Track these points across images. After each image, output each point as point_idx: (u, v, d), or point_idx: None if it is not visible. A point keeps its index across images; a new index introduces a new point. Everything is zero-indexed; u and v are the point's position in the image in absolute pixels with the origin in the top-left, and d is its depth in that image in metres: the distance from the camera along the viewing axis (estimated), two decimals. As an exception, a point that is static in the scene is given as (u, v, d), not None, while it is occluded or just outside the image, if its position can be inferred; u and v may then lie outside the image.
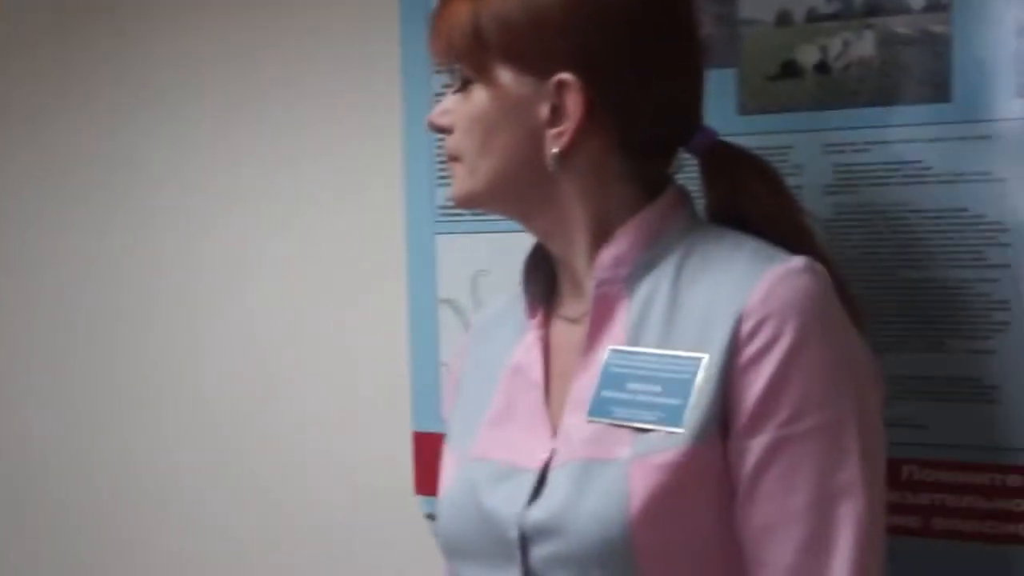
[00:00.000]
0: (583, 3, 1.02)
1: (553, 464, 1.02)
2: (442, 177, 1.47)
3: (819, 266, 0.97)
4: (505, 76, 1.02)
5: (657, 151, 1.07)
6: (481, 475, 1.08)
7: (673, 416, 0.96)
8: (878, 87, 1.19)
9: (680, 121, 1.06)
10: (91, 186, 1.98)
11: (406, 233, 1.56)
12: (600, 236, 1.04)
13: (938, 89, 1.16)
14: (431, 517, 1.51)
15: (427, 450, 1.53)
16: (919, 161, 1.17)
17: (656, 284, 1.02)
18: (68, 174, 2.01)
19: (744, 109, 1.26)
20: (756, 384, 0.93)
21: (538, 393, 1.08)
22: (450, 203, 1.22)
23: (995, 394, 1.14)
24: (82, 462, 1.94)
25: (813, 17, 1.21)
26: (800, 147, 1.23)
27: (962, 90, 1.16)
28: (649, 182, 1.06)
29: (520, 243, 1.24)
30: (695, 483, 0.95)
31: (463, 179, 1.07)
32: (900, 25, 1.17)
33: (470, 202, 1.09)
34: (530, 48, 1.02)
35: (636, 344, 1.02)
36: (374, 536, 1.69)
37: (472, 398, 1.18)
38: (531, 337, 1.11)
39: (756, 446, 0.93)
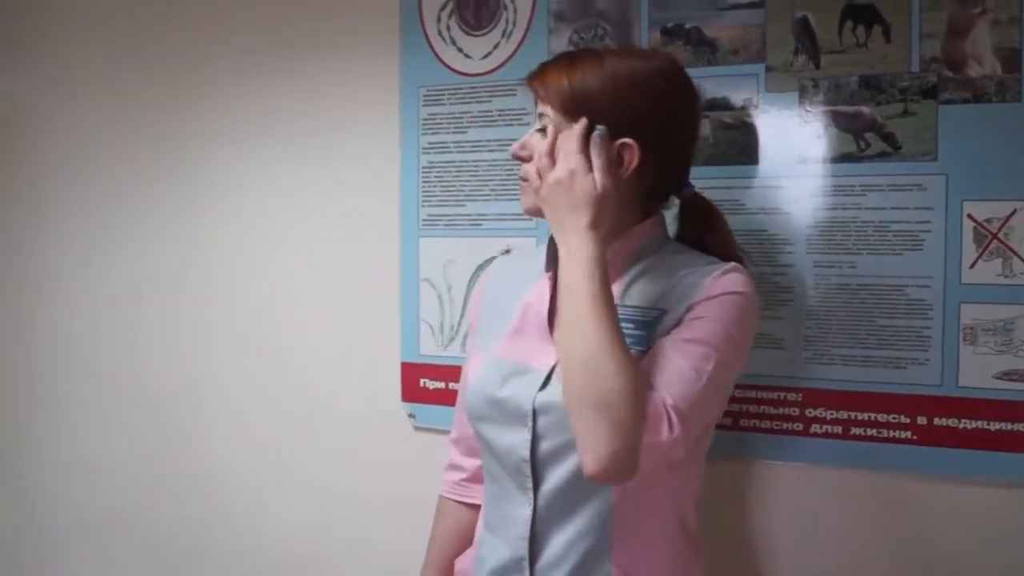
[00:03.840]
0: (647, 93, 1.33)
1: (557, 367, 1.33)
2: (425, 197, 1.92)
3: (745, 268, 1.36)
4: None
5: (664, 196, 1.45)
6: (503, 368, 1.43)
7: (640, 342, 1.31)
8: (711, 154, 1.66)
9: (682, 179, 1.44)
10: (176, 197, 2.31)
11: (400, 235, 1.96)
12: (609, 238, 1.33)
13: (749, 156, 1.64)
14: (412, 416, 1.98)
15: (409, 373, 1.97)
16: (738, 200, 1.66)
17: (642, 269, 1.39)
18: (157, 186, 2.34)
19: None
20: (694, 313, 1.30)
21: (544, 322, 1.42)
22: (431, 216, 1.77)
23: (782, 344, 1.65)
24: (174, 376, 2.27)
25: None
26: None
27: (764, 157, 1.64)
28: (649, 211, 1.43)
29: (471, 245, 1.82)
30: None
31: (531, 197, 1.37)
32: (726, 116, 1.65)
33: (536, 213, 1.39)
34: (605, 117, 1.31)
35: (622, 301, 1.36)
36: (376, 428, 2.05)
37: (493, 320, 1.51)
38: (544, 284, 1.45)
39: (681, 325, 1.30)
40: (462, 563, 1.59)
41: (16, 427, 2.64)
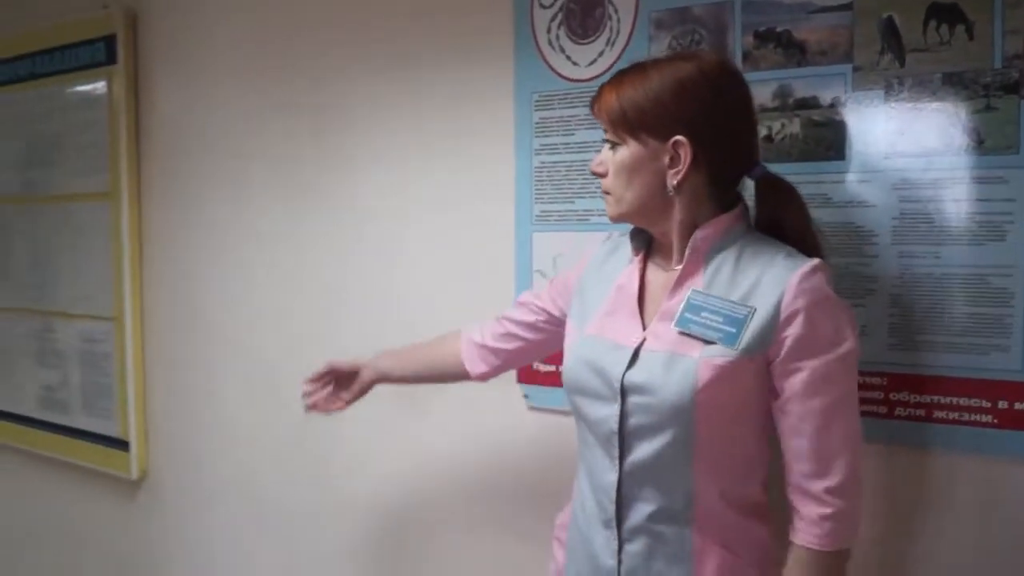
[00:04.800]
0: (687, 91, 1.46)
1: (643, 348, 1.51)
2: (538, 195, 2.05)
3: (826, 265, 1.47)
4: (640, 140, 1.49)
5: (732, 181, 1.55)
6: (597, 345, 1.57)
7: (731, 339, 1.44)
8: (801, 150, 1.74)
9: (746, 162, 1.54)
10: (316, 199, 2.57)
11: (515, 230, 2.10)
12: (690, 228, 1.51)
13: (838, 152, 1.71)
14: (526, 397, 2.10)
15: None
16: (826, 194, 1.72)
17: (723, 260, 1.51)
18: (302, 190, 2.61)
19: None
20: (797, 330, 1.41)
21: (634, 302, 1.57)
22: (543, 212, 1.90)
23: (866, 330, 1.70)
24: (317, 357, 2.29)
25: (763, 109, 1.75)
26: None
27: (852, 152, 1.70)
28: (724, 199, 1.54)
29: (580, 239, 1.92)
30: (735, 378, 1.44)
31: (614, 206, 1.55)
32: (815, 115, 1.72)
33: (620, 219, 1.56)
34: (654, 122, 1.47)
35: (709, 291, 1.49)
36: (492, 408, 2.18)
37: (589, 299, 1.65)
38: (633, 268, 1.61)
39: (803, 368, 1.42)
40: (562, 518, 1.76)
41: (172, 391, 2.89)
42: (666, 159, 1.49)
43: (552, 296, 1.82)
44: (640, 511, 1.55)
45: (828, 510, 1.44)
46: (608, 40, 1.96)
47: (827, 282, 1.46)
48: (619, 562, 1.57)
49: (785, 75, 1.75)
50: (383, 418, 2.40)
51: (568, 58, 2.01)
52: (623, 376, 1.51)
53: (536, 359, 1.98)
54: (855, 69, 1.70)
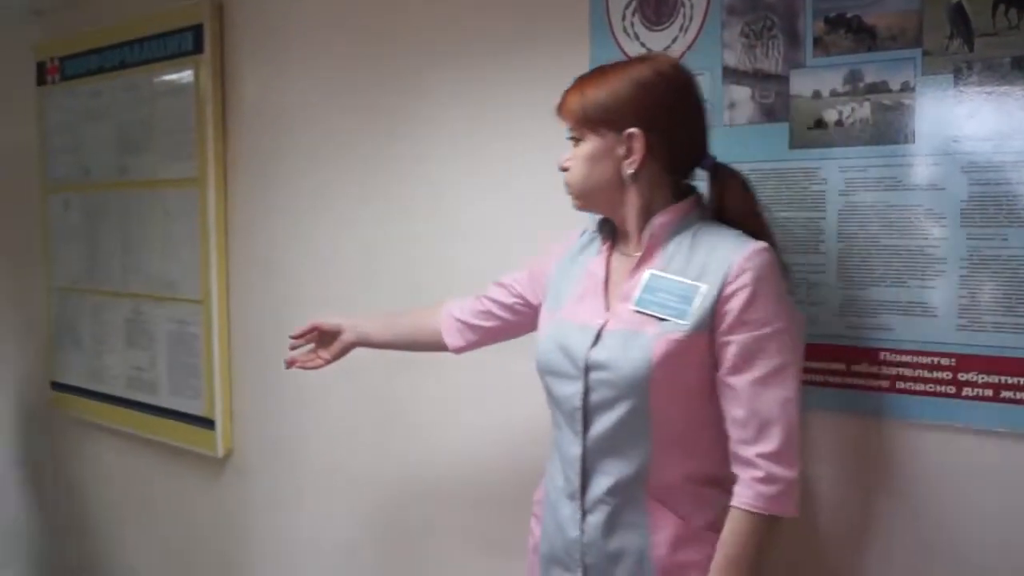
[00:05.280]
0: (641, 89, 1.63)
1: (606, 328, 1.66)
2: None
3: (772, 248, 1.60)
4: (599, 134, 1.66)
5: (685, 171, 1.71)
6: (566, 327, 1.72)
7: (681, 315, 1.59)
8: (871, 134, 1.77)
9: (698, 152, 1.70)
10: (402, 172, 2.65)
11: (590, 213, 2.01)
12: (647, 215, 1.68)
13: (907, 136, 1.74)
14: None
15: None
16: (895, 177, 1.75)
17: (679, 244, 1.65)
18: (389, 166, 2.69)
19: (792, 146, 1.85)
20: (735, 305, 1.56)
21: (600, 287, 1.73)
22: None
23: (936, 312, 1.73)
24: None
25: (834, 94, 1.79)
26: (825, 168, 1.81)
27: (921, 136, 1.73)
28: (677, 188, 1.70)
29: None
30: (687, 352, 1.58)
31: (576, 196, 1.73)
32: (885, 99, 1.75)
33: (583, 208, 1.75)
34: (611, 117, 1.64)
35: (665, 273, 1.64)
36: None
37: (563, 287, 1.80)
38: (602, 256, 1.76)
39: (735, 341, 1.57)
40: (537, 494, 1.89)
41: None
42: (622, 150, 1.65)
43: (529, 282, 1.97)
44: (601, 483, 1.68)
45: (760, 473, 1.55)
46: (681, 26, 2.00)
47: (769, 264, 1.59)
48: (582, 532, 1.70)
49: (855, 60, 1.78)
50: (466, 395, 2.48)
51: (643, 44, 2.05)
52: (587, 354, 1.66)
53: (510, 338, 2.07)
54: (925, 54, 1.72)
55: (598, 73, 1.69)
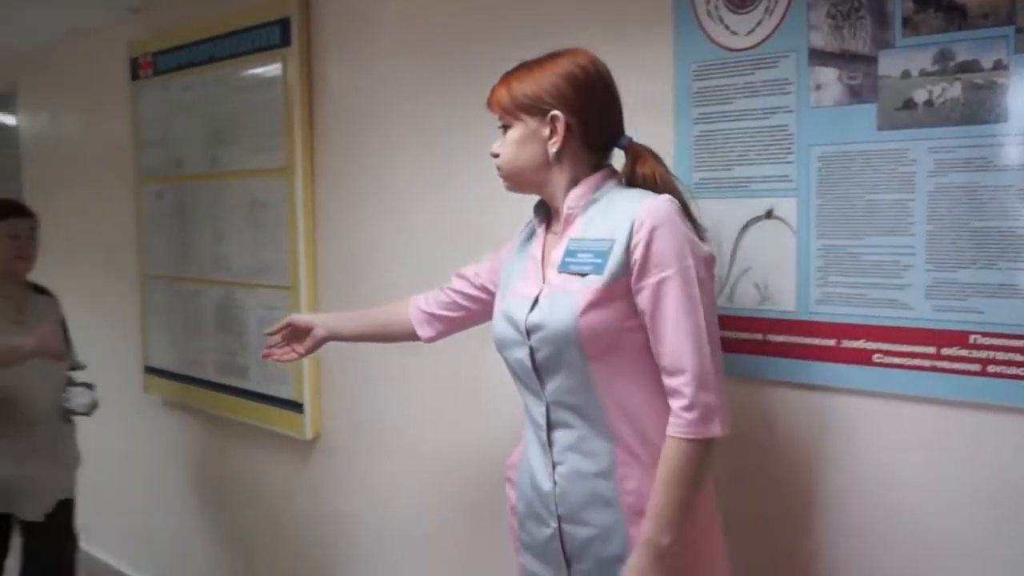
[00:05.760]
0: (561, 77, 1.80)
1: (541, 295, 1.83)
2: (697, 163, 2.09)
3: (673, 199, 1.74)
4: (525, 120, 1.84)
5: (604, 148, 1.88)
6: (511, 302, 1.90)
7: (598, 268, 1.74)
8: (962, 114, 1.75)
9: (614, 132, 1.86)
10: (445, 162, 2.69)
11: None
12: (569, 186, 1.85)
13: (999, 115, 1.72)
14: None
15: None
16: (986, 157, 1.73)
17: (595, 210, 1.82)
18: (432, 159, 2.74)
19: (880, 127, 1.82)
20: (640, 252, 1.70)
21: (539, 264, 1.90)
22: (702, 179, 1.96)
23: (1014, 291, 1.73)
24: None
25: (924, 73, 1.77)
26: (914, 149, 1.79)
27: (1013, 115, 1.71)
28: (599, 167, 1.87)
29: (737, 205, 2.00)
30: (609, 298, 1.73)
31: (506, 178, 1.91)
32: (977, 78, 1.73)
33: (513, 188, 1.93)
34: (535, 103, 1.82)
35: (583, 236, 1.80)
36: None
37: (513, 272, 1.98)
38: (539, 239, 1.94)
39: (647, 285, 1.70)
40: (510, 460, 2.05)
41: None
42: (546, 132, 1.82)
43: (489, 273, 2.16)
44: (565, 435, 1.83)
45: (685, 401, 1.68)
46: (767, 8, 1.99)
47: (667, 211, 1.72)
48: (554, 483, 1.85)
49: (946, 39, 1.76)
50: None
51: (727, 27, 2.05)
52: (526, 319, 1.83)
53: (477, 324, 2.23)
54: (1018, 31, 1.69)
55: (523, 67, 1.86)
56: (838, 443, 1.97)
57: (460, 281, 2.21)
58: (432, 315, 2.24)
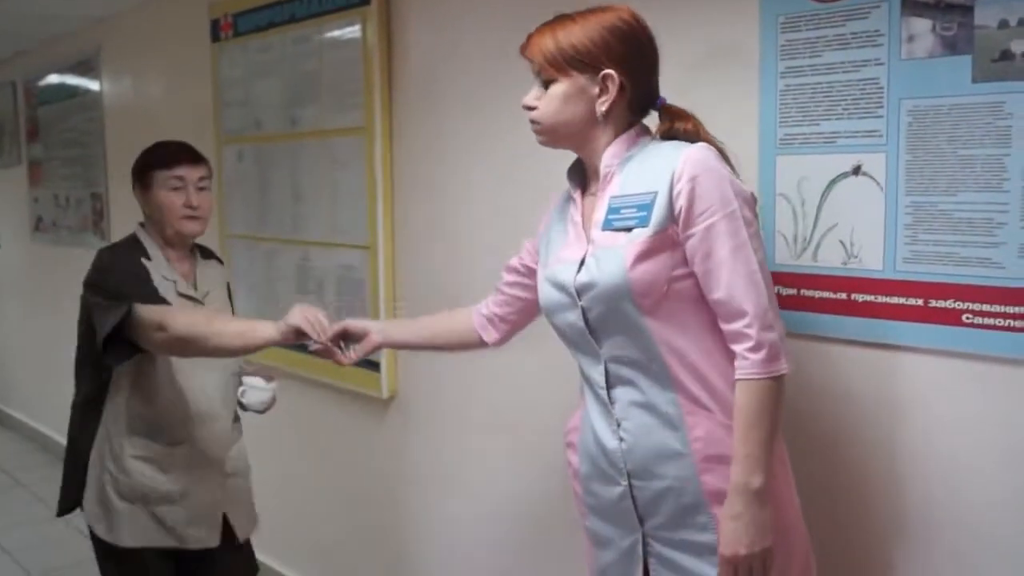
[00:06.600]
0: (613, 34, 1.79)
1: (587, 255, 1.82)
2: (783, 118, 2.05)
3: (709, 146, 1.75)
4: (574, 76, 1.81)
5: (644, 108, 1.88)
6: (557, 268, 1.90)
7: (643, 221, 1.74)
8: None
9: (655, 93, 1.88)
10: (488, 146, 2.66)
11: (758, 154, 2.10)
12: (608, 144, 1.84)
13: (1101, 65, 1.66)
14: None
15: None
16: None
17: (631, 166, 1.82)
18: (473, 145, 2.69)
19: (975, 79, 1.77)
20: (685, 201, 1.71)
21: (580, 229, 1.90)
22: (787, 135, 1.93)
23: None
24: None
25: (1022, 23, 1.71)
26: (1011, 102, 1.73)
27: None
28: (632, 123, 1.86)
29: (824, 162, 1.97)
30: (657, 249, 1.73)
31: (546, 134, 1.88)
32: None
33: (549, 143, 1.90)
34: (587, 59, 1.79)
35: (623, 193, 1.80)
36: None
37: (551, 242, 1.99)
38: (577, 204, 1.93)
39: (695, 232, 1.71)
40: (570, 423, 2.04)
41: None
42: (595, 90, 1.80)
43: (530, 255, 2.14)
44: (627, 392, 1.83)
45: (750, 343, 1.68)
46: (858, -42, 1.93)
47: (709, 157, 1.73)
48: (620, 440, 1.84)
49: None
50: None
51: (816, -21, 2.00)
52: (574, 280, 1.83)
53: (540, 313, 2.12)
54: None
55: (566, 19, 1.83)
56: (923, 405, 1.93)
57: (510, 274, 2.20)
58: (494, 316, 2.24)
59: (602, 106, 1.81)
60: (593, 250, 1.82)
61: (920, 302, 1.91)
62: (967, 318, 1.85)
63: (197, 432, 2.65)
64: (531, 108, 1.87)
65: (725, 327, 1.73)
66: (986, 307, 1.82)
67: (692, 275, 1.75)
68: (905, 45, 1.88)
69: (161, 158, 2.63)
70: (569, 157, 1.97)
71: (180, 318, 2.41)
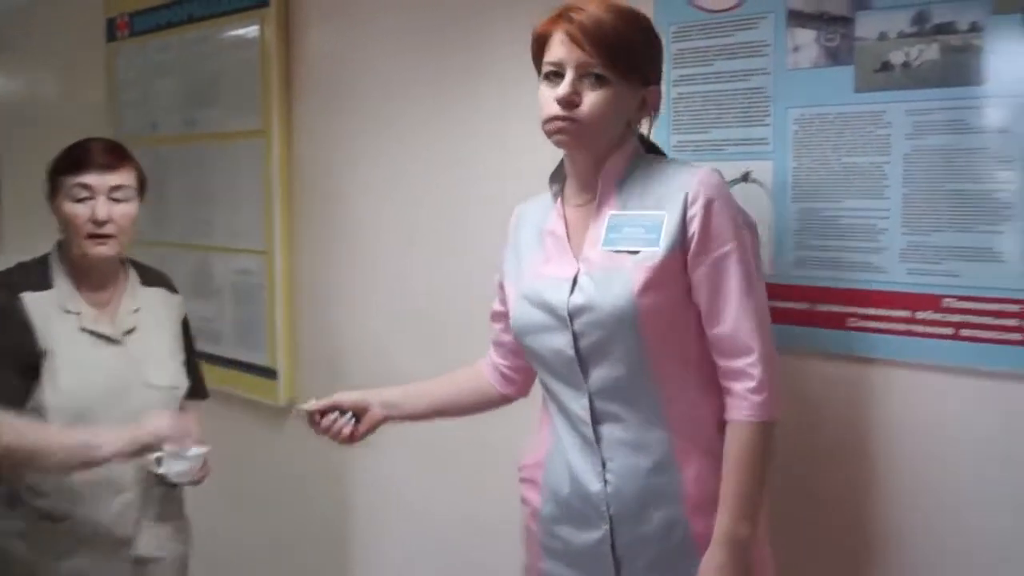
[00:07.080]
0: (653, 40, 1.69)
1: (579, 275, 1.67)
2: (675, 125, 2.07)
3: (718, 170, 1.66)
4: (626, 82, 1.65)
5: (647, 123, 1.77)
6: (538, 284, 1.74)
7: (652, 243, 1.62)
8: (939, 76, 1.73)
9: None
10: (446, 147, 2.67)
11: None
12: (609, 152, 1.71)
13: (975, 76, 1.70)
14: None
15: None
16: (963, 120, 1.71)
17: (632, 183, 1.70)
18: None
19: (857, 89, 1.81)
20: (698, 226, 1.60)
21: (564, 242, 1.74)
22: (680, 142, 1.96)
23: (1002, 257, 1.69)
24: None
25: (901, 35, 1.75)
26: (890, 111, 1.78)
27: (989, 78, 1.69)
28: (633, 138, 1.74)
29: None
30: (665, 277, 1.61)
31: (575, 134, 1.65)
32: (953, 40, 1.71)
33: (571, 145, 1.69)
34: (640, 66, 1.67)
35: (624, 211, 1.68)
36: None
37: (521, 259, 1.83)
38: (557, 213, 1.78)
39: (705, 261, 1.61)
40: (529, 459, 1.87)
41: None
42: (636, 102, 1.70)
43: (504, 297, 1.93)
44: (615, 430, 1.69)
45: (753, 383, 1.59)
46: (746, -31, 1.96)
47: (722, 184, 1.65)
48: (605, 482, 1.70)
49: (923, 0, 1.74)
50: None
51: (705, -12, 2.03)
52: (568, 302, 1.67)
53: None
54: (996, -8, 1.67)
55: (613, 12, 1.64)
56: (821, 407, 1.96)
57: (498, 322, 1.99)
58: (505, 369, 2.01)
59: (637, 118, 1.73)
60: (588, 269, 1.68)
61: (807, 306, 1.94)
62: (852, 322, 1.89)
63: (89, 505, 2.15)
64: (572, 103, 1.64)
65: (725, 363, 1.64)
66: (870, 311, 1.86)
67: (694, 305, 1.65)
68: (791, 55, 1.91)
69: (69, 161, 2.18)
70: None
71: (6, 428, 1.95)
